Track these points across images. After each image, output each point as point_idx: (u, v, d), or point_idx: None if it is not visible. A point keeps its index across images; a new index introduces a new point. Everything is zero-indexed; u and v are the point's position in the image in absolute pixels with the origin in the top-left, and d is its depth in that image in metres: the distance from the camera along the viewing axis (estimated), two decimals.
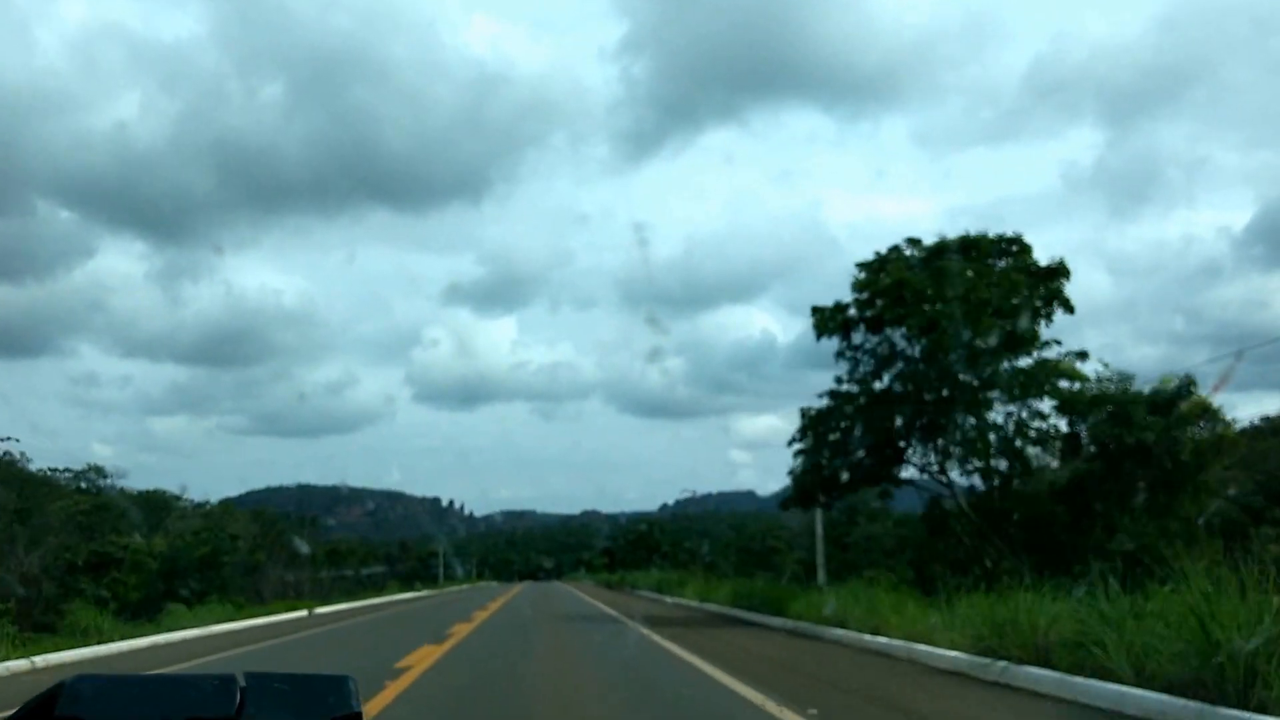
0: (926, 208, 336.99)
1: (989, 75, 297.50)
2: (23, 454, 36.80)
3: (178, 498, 48.75)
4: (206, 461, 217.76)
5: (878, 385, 19.44)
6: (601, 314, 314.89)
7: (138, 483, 49.20)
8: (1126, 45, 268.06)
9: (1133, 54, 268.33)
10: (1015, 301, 17.80)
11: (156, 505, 47.09)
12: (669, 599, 33.11)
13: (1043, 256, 19.02)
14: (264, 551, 44.95)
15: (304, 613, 28.62)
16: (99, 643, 16.11)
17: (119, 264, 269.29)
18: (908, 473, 20.28)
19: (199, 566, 34.56)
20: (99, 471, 47.90)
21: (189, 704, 1.26)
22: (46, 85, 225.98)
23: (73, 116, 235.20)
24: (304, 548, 64.02)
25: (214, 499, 48.22)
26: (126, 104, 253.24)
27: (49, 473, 42.37)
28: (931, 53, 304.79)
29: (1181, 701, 6.76)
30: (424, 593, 54.22)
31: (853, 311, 19.31)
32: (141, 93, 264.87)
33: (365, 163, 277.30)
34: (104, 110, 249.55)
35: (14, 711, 1.28)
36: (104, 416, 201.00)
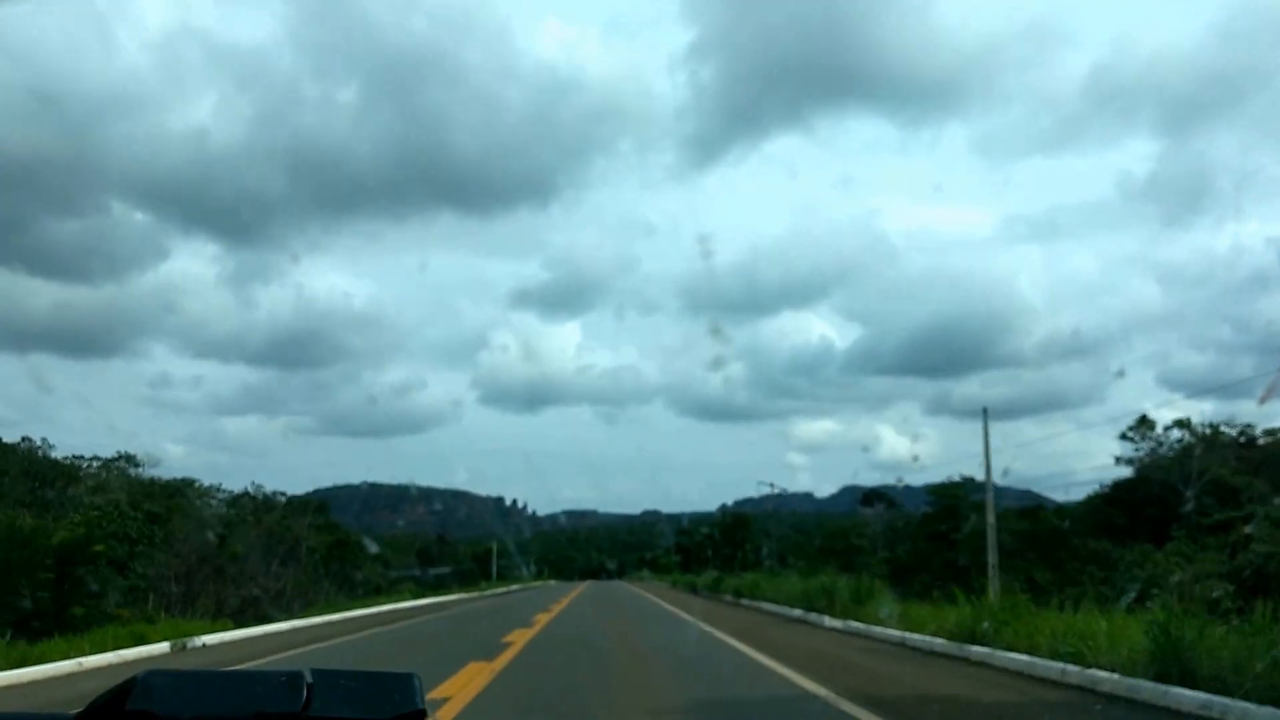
0: (984, 217, 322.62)
1: (1050, 81, 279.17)
2: (44, 440, 32.35)
3: (206, 486, 37.56)
4: (276, 460, 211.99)
5: None
6: (664, 319, 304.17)
7: (210, 479, 40.81)
8: (1186, 53, 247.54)
9: (1192, 62, 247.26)
10: None
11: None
12: (829, 622, 18.28)
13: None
14: (245, 543, 32.95)
15: (165, 647, 14.54)
16: None
17: (192, 266, 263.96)
18: None
19: (55, 563, 20.66)
20: (130, 460, 37.60)
21: (258, 699, 1.24)
22: (124, 86, 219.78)
23: (148, 117, 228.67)
24: (373, 547, 52.44)
25: (262, 494, 39.16)
26: (202, 106, 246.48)
27: (72, 460, 35.08)
28: (994, 58, 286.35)
29: None
30: (447, 597, 40.21)
31: None
32: (218, 94, 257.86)
33: (436, 166, 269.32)
34: (180, 112, 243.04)
35: (88, 705, 1.26)
36: (177, 416, 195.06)
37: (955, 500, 41.14)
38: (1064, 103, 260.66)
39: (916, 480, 58.59)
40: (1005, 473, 65.72)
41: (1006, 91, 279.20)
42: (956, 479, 41.80)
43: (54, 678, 11.48)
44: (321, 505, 48.22)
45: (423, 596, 38.12)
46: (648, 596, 37.51)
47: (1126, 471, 42.75)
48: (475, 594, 44.95)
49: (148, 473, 36.68)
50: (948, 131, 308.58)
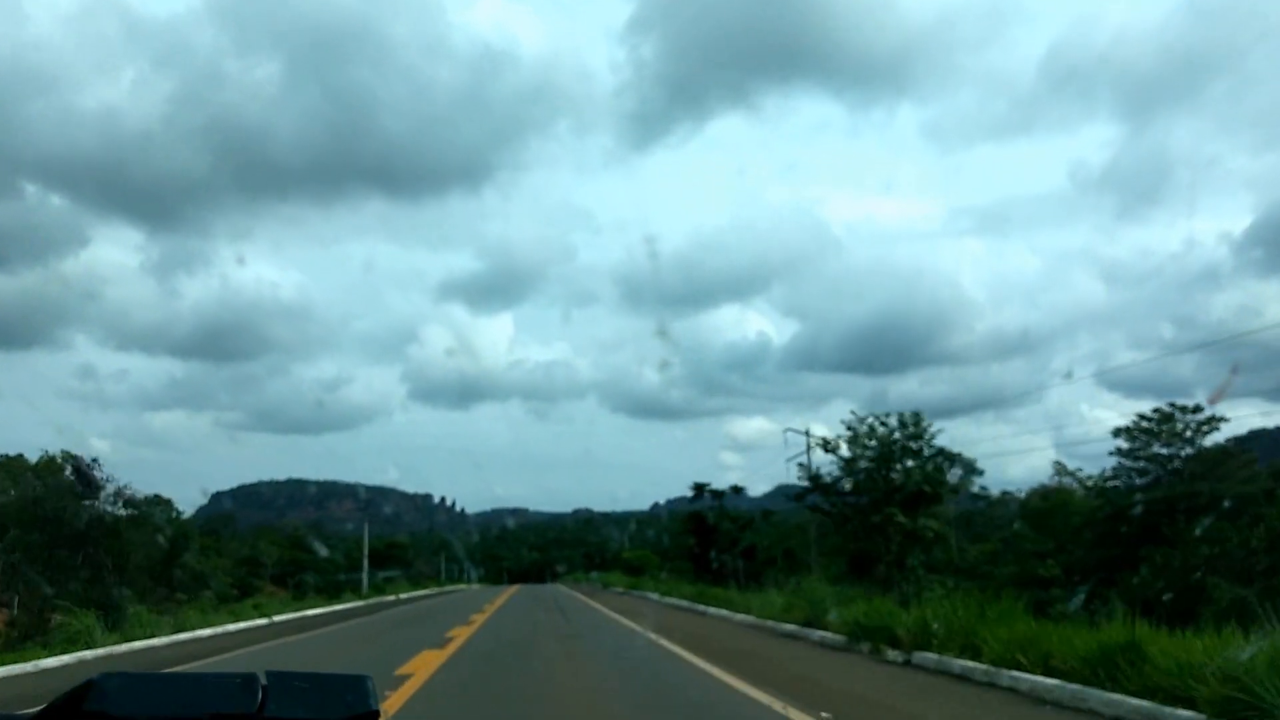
0: (932, 208, 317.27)
1: (1007, 61, 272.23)
2: None
3: None
4: (201, 456, 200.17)
5: None
6: (600, 311, 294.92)
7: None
8: (1149, 31, 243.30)
9: (1155, 41, 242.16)
10: None
11: None
12: None
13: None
14: None
15: None
16: None
17: (112, 253, 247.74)
18: None
19: None
20: None
21: (213, 700, 1.24)
22: (35, 61, 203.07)
23: (62, 95, 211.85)
24: (322, 550, 50.42)
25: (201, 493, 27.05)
26: (119, 83, 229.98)
27: None
28: (950, 34, 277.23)
29: None
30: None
31: None
32: (134, 71, 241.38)
33: (363, 148, 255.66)
34: (95, 89, 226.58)
35: (44, 705, 1.25)
36: (102, 410, 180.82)
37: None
38: (1020, 84, 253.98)
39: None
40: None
41: (962, 70, 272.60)
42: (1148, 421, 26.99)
43: None
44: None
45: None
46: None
47: None
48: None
49: None
50: (899, 114, 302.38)
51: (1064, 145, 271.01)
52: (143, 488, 34.30)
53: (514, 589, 51.64)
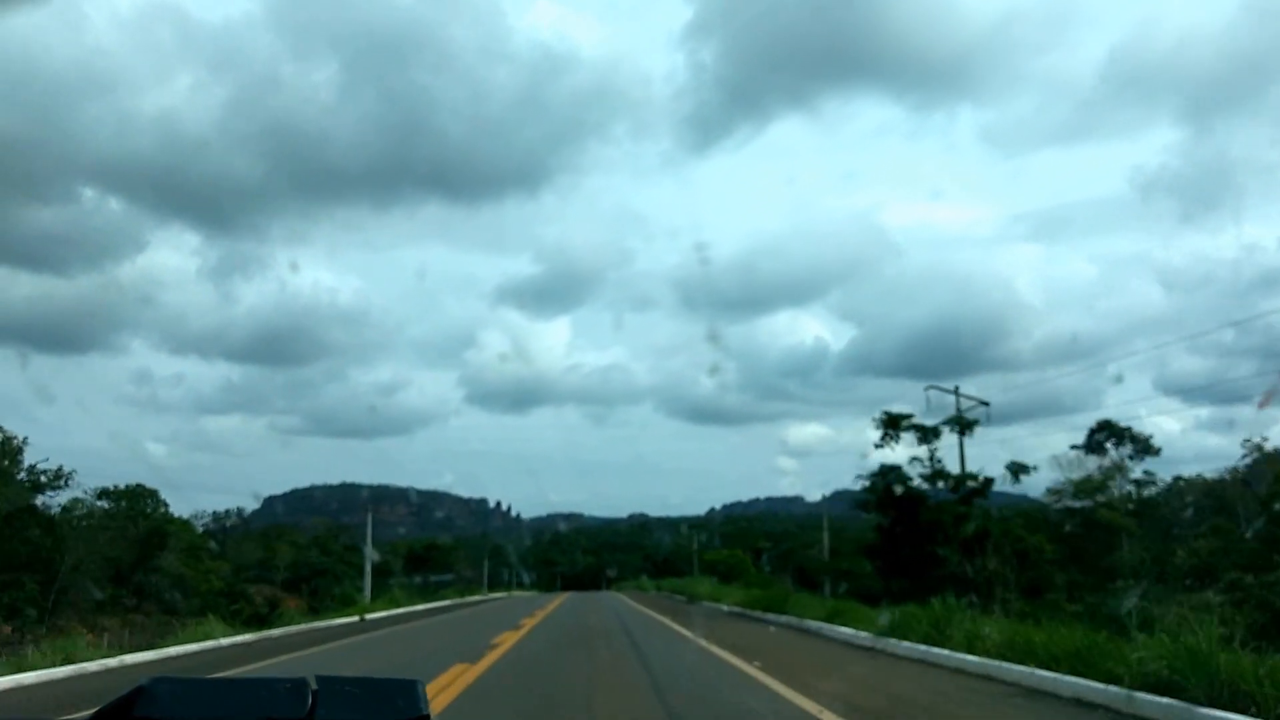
0: (990, 213, 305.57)
1: (1068, 64, 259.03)
2: None
3: None
4: (256, 460, 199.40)
5: None
6: (657, 316, 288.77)
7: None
8: (1212, 34, 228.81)
9: (1218, 44, 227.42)
10: None
11: None
12: None
13: None
14: None
15: None
16: None
17: (169, 257, 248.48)
18: None
19: None
20: None
21: (263, 705, 1.23)
22: (94, 65, 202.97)
23: (120, 100, 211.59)
24: (374, 556, 45.18)
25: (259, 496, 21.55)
26: (176, 88, 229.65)
27: None
28: (1012, 36, 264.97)
29: None
30: None
31: None
32: (191, 76, 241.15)
33: (421, 151, 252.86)
34: (152, 94, 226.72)
35: (94, 710, 1.25)
36: (157, 415, 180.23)
37: None
38: (1081, 88, 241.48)
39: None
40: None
41: (1021, 74, 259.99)
42: None
43: None
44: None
45: None
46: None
47: None
48: None
49: None
50: (959, 117, 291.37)
51: (1124, 150, 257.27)
52: (196, 491, 29.83)
53: (558, 600, 41.63)
